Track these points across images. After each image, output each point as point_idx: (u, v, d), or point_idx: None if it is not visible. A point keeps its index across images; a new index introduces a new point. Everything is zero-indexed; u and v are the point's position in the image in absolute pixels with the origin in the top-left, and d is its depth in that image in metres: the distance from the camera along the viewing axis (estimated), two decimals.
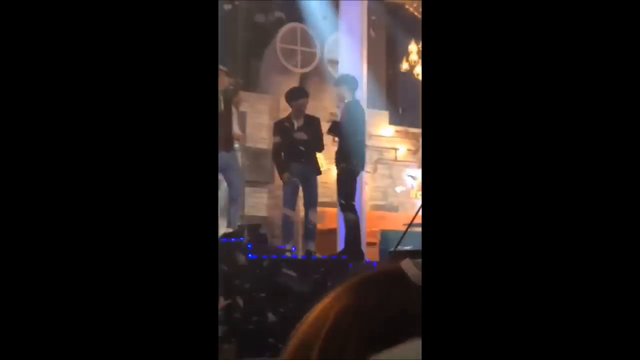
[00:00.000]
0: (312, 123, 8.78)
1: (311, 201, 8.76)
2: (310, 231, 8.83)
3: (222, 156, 8.12)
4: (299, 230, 9.38)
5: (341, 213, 9.02)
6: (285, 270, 7.74)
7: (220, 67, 8.31)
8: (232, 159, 8.54)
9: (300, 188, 8.75)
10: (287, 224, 8.84)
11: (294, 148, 8.62)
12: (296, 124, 8.72)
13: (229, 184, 8.55)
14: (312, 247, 8.71)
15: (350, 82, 8.82)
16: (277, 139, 8.85)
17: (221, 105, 8.43)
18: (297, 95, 8.90)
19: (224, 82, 8.43)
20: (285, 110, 9.62)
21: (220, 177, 8.34)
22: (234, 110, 8.70)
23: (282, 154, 8.76)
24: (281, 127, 8.85)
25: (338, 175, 8.61)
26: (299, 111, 8.75)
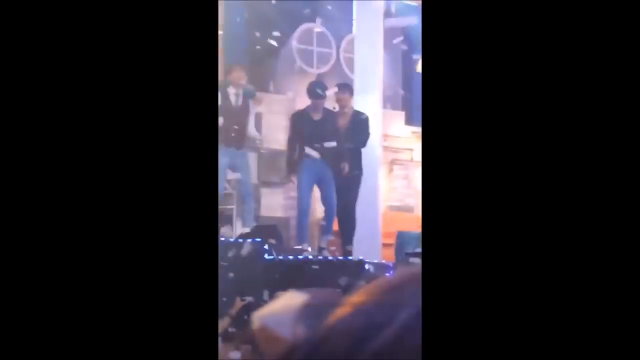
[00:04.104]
0: (332, 117, 8.63)
1: (328, 201, 8.58)
2: (326, 232, 8.74)
3: (233, 154, 8.10)
4: (314, 232, 9.31)
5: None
6: (303, 270, 7.72)
7: (239, 64, 8.29)
8: (242, 157, 8.46)
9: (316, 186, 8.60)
10: (302, 225, 8.72)
11: (311, 141, 8.43)
12: (315, 118, 8.53)
13: (239, 182, 8.51)
14: (324, 248, 8.62)
15: (348, 90, 8.77)
16: (294, 131, 8.70)
17: (238, 102, 8.39)
18: (316, 93, 8.69)
19: (241, 78, 8.37)
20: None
21: (234, 175, 8.32)
22: (251, 109, 8.60)
23: (297, 147, 8.59)
24: (298, 119, 8.66)
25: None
26: (316, 107, 8.55)
